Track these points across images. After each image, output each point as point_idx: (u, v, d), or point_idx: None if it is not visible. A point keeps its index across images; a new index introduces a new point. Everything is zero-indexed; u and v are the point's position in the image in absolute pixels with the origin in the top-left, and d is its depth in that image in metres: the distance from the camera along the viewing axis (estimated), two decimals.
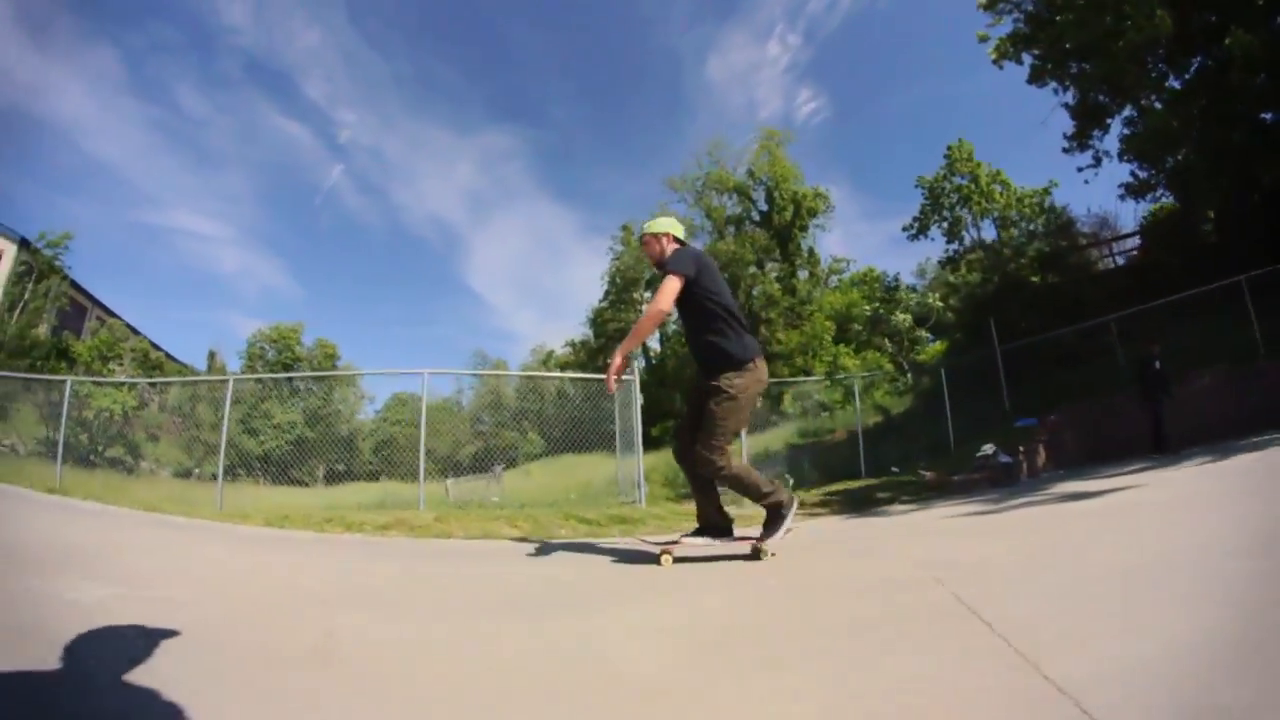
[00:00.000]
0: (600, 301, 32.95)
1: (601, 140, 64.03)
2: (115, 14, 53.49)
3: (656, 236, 3.23)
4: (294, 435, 9.82)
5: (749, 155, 29.82)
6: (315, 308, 73.20)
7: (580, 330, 35.21)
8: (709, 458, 2.88)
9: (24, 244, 23.18)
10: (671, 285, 2.93)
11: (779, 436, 14.27)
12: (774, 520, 2.99)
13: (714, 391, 2.90)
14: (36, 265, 21.65)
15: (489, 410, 20.01)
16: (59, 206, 56.99)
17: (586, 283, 79.02)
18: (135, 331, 26.35)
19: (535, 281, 74.72)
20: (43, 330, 20.62)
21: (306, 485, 9.91)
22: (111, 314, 28.38)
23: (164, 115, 61.10)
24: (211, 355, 30.60)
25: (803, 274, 29.24)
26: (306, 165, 67.52)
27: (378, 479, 10.65)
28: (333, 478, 10.64)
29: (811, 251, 30.09)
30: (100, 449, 9.62)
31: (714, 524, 3.14)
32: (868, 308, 22.94)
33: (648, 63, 63.92)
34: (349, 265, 70.64)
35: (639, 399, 7.38)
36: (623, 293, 31.93)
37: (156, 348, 25.45)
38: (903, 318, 20.14)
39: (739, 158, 30.23)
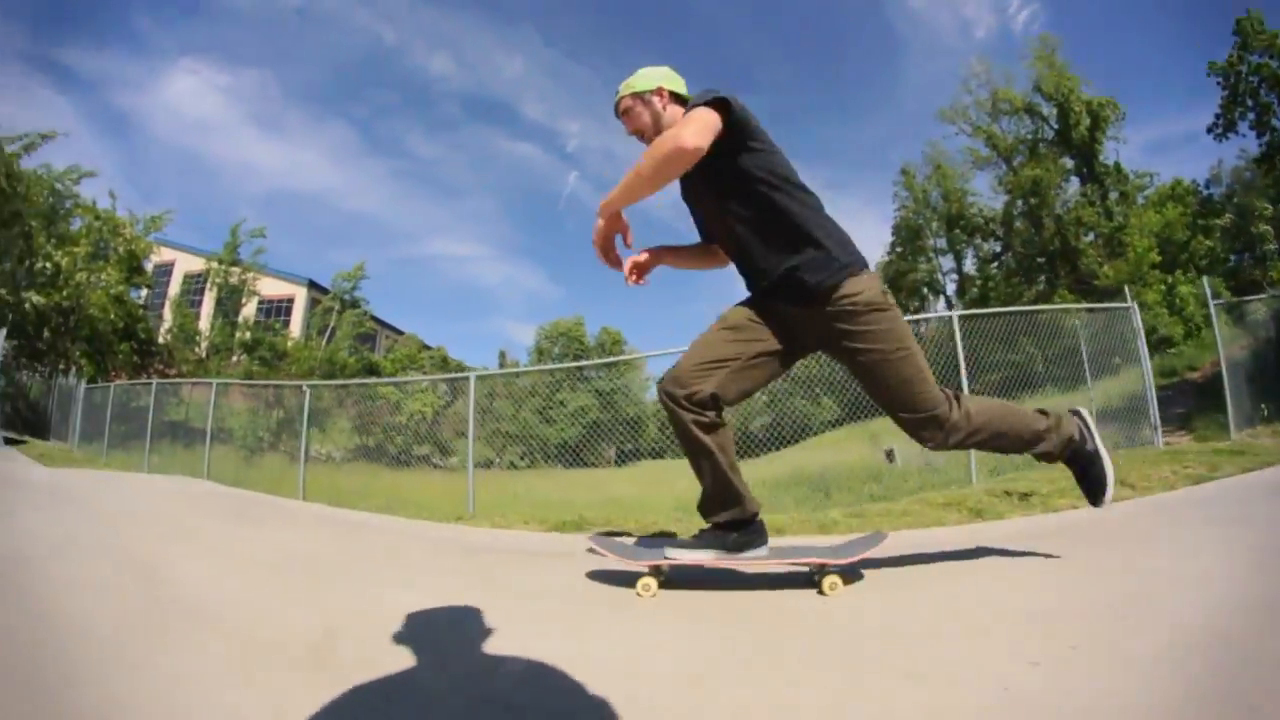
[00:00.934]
0: (886, 255, 30.38)
1: (817, 95, 59.86)
2: (335, 95, 64.06)
3: (643, 96, 1.88)
4: (587, 420, 9.14)
5: (1025, 68, 25.13)
6: (579, 303, 78.99)
7: None
8: (933, 416, 1.74)
9: (311, 284, 27.91)
10: (707, 117, 1.61)
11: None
12: (1087, 477, 1.90)
13: (849, 316, 1.69)
14: (338, 298, 25.73)
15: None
16: (331, 258, 69.07)
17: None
18: (426, 346, 30.53)
19: None
20: (343, 353, 24.52)
21: (597, 467, 9.38)
22: (400, 332, 33.01)
23: (403, 164, 71.43)
24: (501, 355, 33.76)
25: (1113, 194, 23.24)
26: (543, 177, 73.09)
27: (661, 457, 9.69)
28: (623, 458, 10.04)
29: (1118, 167, 23.96)
30: (409, 450, 10.14)
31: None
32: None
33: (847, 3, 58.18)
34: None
35: None
36: (909, 242, 29.69)
37: (448, 357, 29.03)
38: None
39: (1009, 78, 25.70)
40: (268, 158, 66.78)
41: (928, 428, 1.78)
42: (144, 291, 22.44)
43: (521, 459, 9.95)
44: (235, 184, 59.45)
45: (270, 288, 25.30)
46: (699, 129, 1.61)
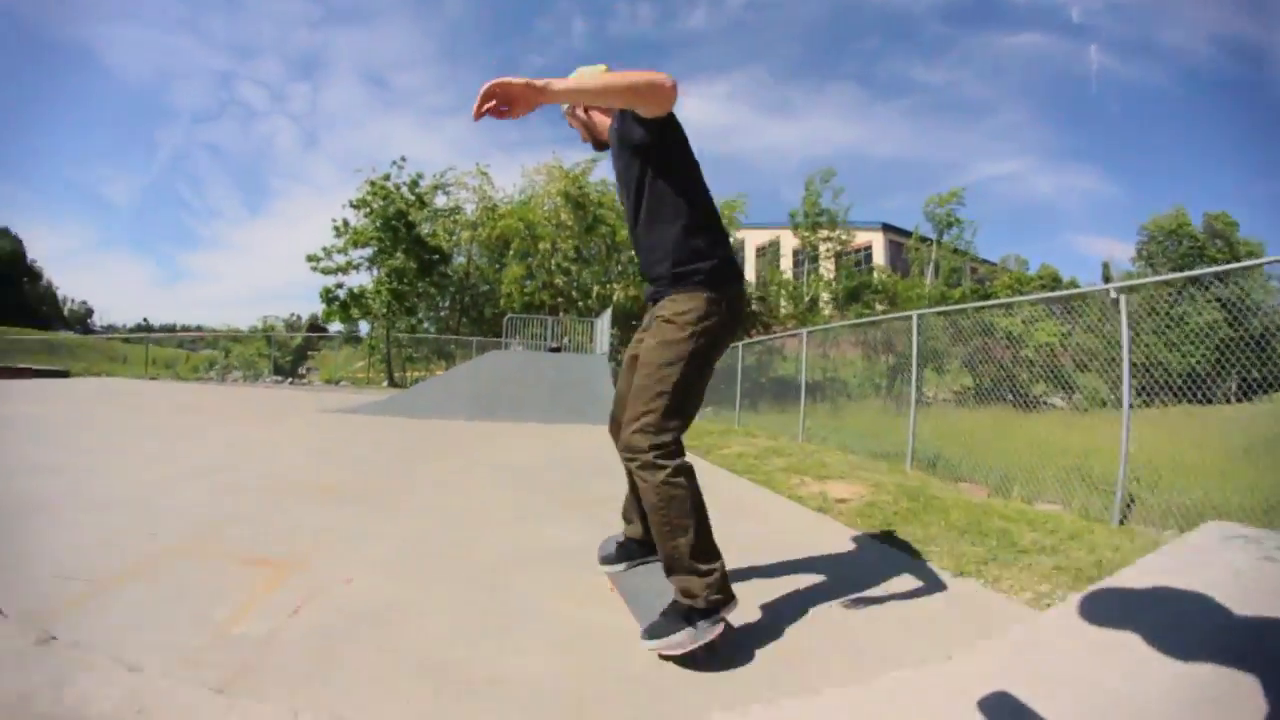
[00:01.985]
0: None
1: None
2: (820, 61, 58.53)
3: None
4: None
5: None
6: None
7: None
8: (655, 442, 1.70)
9: (886, 227, 26.15)
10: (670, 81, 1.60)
11: None
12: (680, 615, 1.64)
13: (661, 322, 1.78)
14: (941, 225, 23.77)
15: None
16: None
17: None
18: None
19: None
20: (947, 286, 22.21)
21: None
22: (990, 263, 28.41)
23: (914, 100, 62.28)
24: (1105, 266, 28.88)
25: None
26: (1060, 65, 60.53)
27: None
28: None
29: None
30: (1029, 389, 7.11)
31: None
32: None
33: None
34: None
35: None
36: None
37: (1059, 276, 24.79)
38: None
39: None
40: (786, 137, 71.26)
41: (637, 444, 1.69)
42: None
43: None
44: (772, 167, 65.25)
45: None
46: (672, 83, 1.59)
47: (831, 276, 24.82)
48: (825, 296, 24.61)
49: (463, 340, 22.43)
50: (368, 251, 20.99)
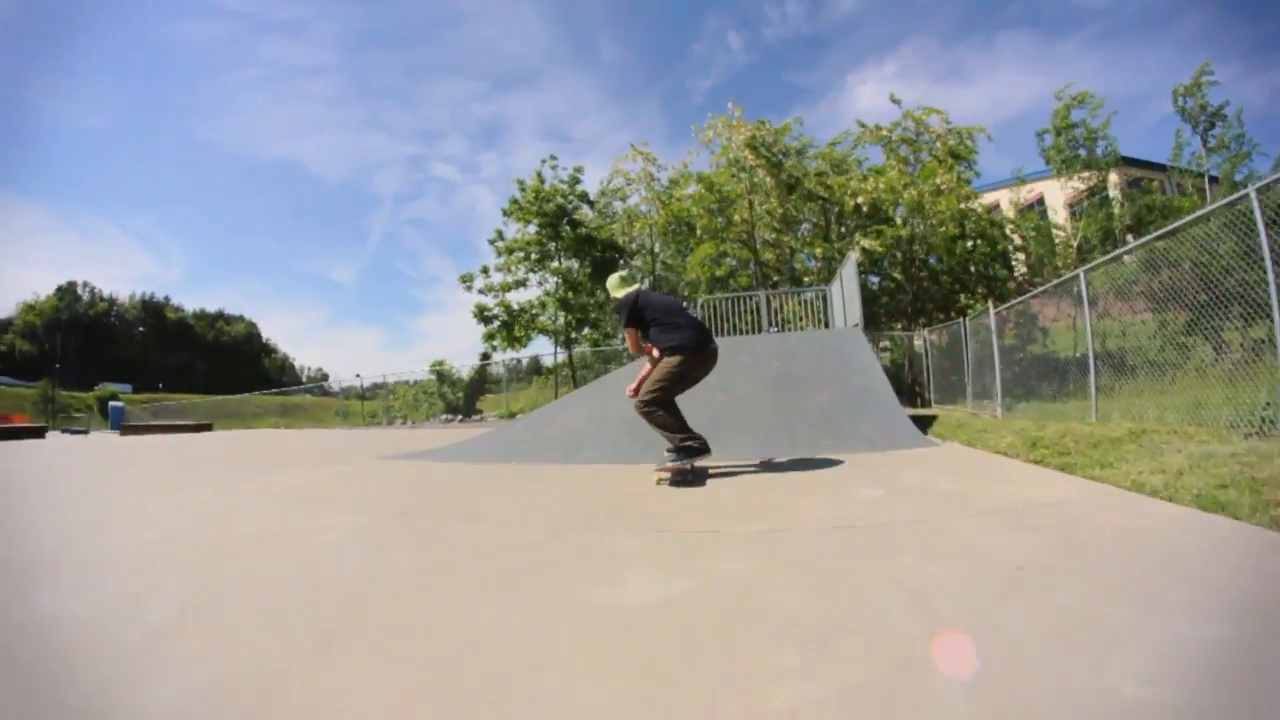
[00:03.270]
0: None
1: None
2: None
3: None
4: None
5: None
6: None
7: None
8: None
9: (1124, 161, 19.36)
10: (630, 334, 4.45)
11: None
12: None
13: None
14: None
15: None
16: None
17: None
18: None
19: None
20: None
21: None
22: None
23: None
24: None
25: None
26: None
27: None
28: None
29: None
30: None
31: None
32: None
33: None
34: None
35: None
36: None
37: None
38: None
39: None
40: (972, 102, 59.07)
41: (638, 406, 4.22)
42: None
43: None
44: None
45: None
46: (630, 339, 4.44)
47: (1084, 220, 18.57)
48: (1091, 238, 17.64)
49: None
50: (528, 266, 18.32)
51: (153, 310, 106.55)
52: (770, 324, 11.98)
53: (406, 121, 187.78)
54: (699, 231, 19.66)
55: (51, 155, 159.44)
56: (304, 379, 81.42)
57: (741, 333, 11.57)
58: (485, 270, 18.85)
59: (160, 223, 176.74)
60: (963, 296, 18.45)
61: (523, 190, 18.71)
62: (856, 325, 8.41)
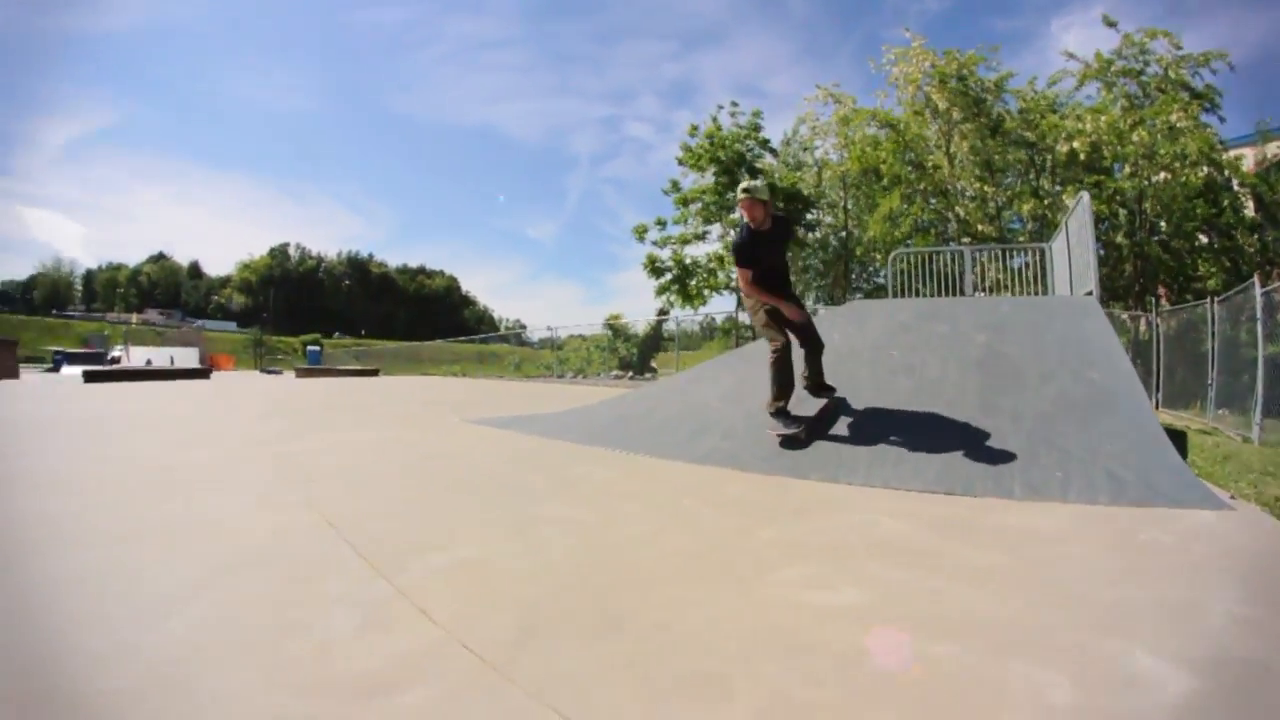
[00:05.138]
0: None
1: None
2: None
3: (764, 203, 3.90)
4: None
5: None
6: None
7: None
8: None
9: None
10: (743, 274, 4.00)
11: None
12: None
13: None
14: None
15: None
16: None
17: None
18: None
19: None
20: None
21: None
22: None
23: None
24: None
25: None
26: None
27: None
28: None
29: None
30: None
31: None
32: None
33: None
34: None
35: None
36: None
37: None
38: None
39: None
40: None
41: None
42: None
43: None
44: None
45: None
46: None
47: None
48: None
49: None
50: (704, 218, 17.35)
51: (357, 266, 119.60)
52: (975, 289, 9.58)
53: (597, 85, 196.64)
54: (884, 180, 17.52)
55: (265, 135, 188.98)
56: (502, 329, 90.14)
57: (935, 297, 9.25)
58: (661, 222, 18.42)
59: (365, 189, 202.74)
60: (1202, 266, 15.00)
61: (695, 135, 17.88)
62: (1089, 294, 6.27)
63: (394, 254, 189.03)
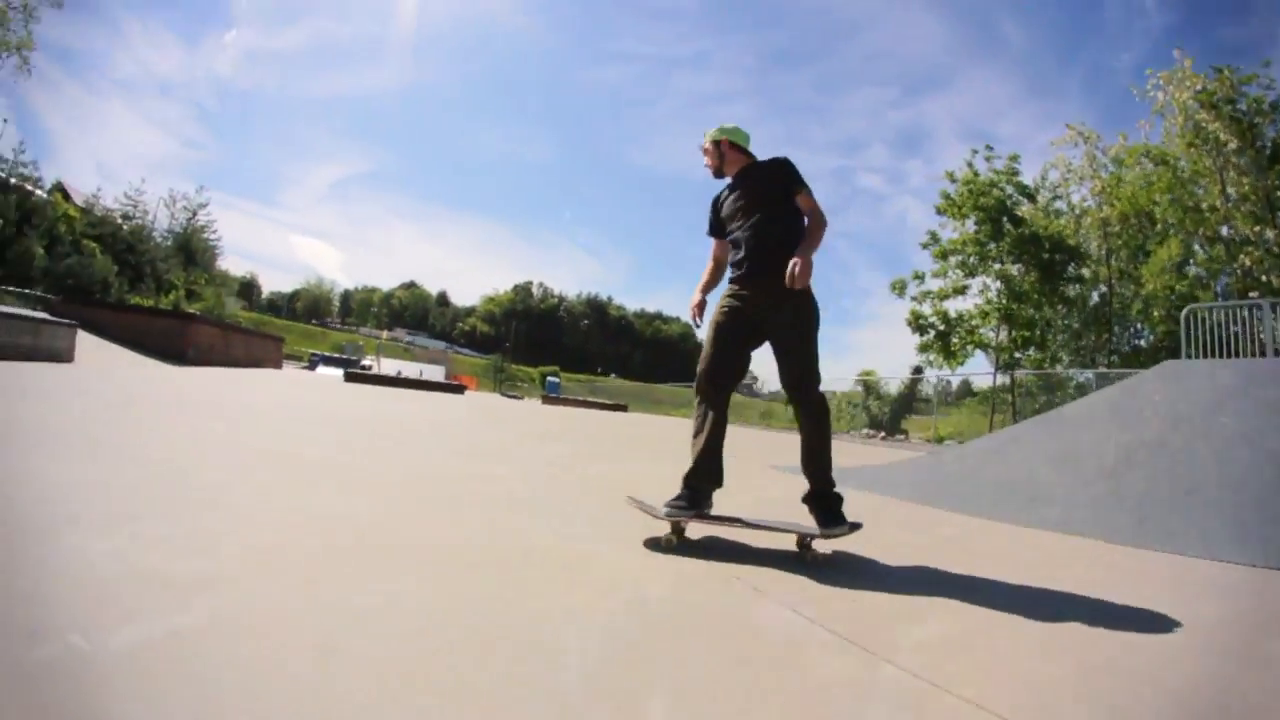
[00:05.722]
0: None
1: None
2: None
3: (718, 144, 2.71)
4: None
5: None
6: None
7: None
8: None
9: None
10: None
11: None
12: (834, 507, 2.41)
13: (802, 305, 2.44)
14: None
15: None
16: None
17: None
18: None
19: None
20: None
21: None
22: None
23: None
24: None
25: None
26: None
27: None
28: None
29: None
30: None
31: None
32: None
33: None
34: None
35: None
36: None
37: None
38: None
39: None
40: None
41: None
42: None
43: None
44: None
45: None
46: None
47: None
48: None
49: (1111, 375, 13.33)
50: (965, 270, 16.66)
51: (596, 307, 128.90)
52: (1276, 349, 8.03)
53: (823, 135, 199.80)
54: (1157, 225, 15.79)
55: (505, 182, 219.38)
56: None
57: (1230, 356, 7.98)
58: (919, 276, 18.06)
59: (604, 234, 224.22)
60: None
61: (953, 181, 17.42)
62: None
63: (629, 298, 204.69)
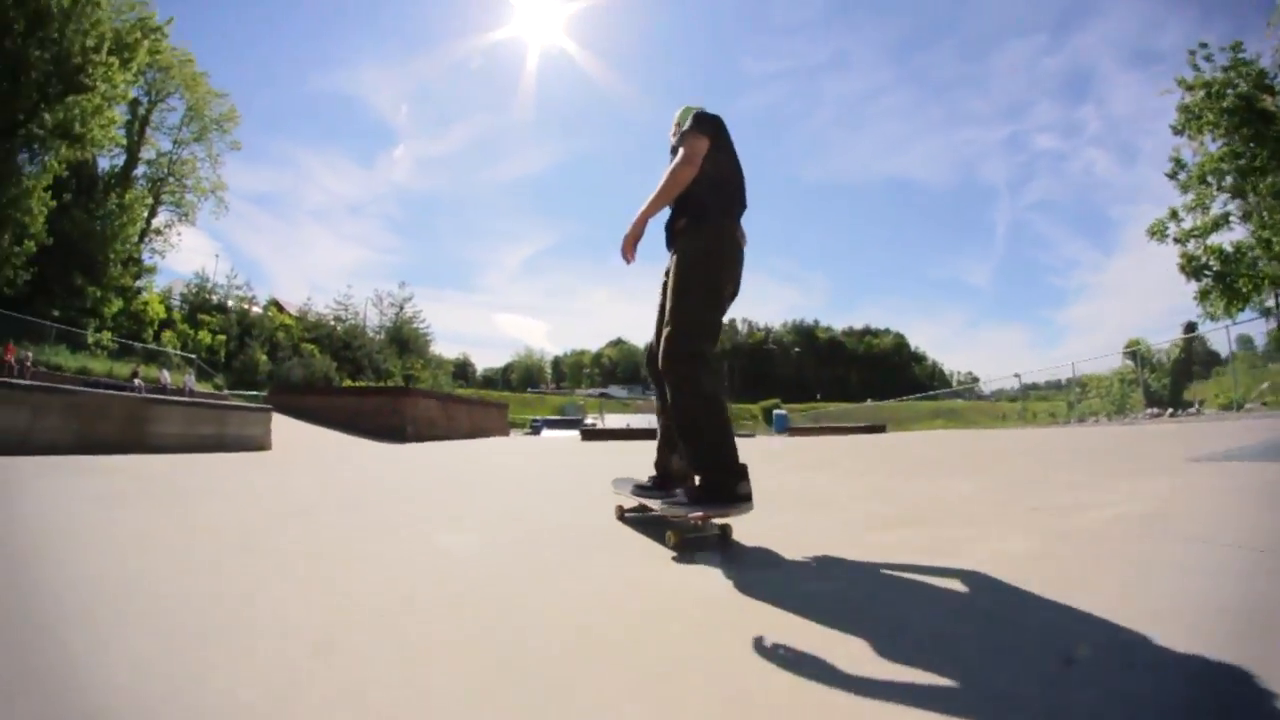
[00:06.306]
0: None
1: None
2: None
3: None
4: None
5: None
6: None
7: None
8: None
9: None
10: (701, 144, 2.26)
11: None
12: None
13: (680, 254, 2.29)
14: None
15: None
16: None
17: None
18: None
19: None
20: None
21: None
22: None
23: None
24: None
25: None
26: None
27: None
28: None
29: None
30: None
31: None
32: None
33: None
34: None
35: None
36: None
37: None
38: None
39: None
40: None
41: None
42: None
43: None
44: None
45: None
46: (691, 169, 2.21)
47: None
48: None
49: None
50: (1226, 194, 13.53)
51: (803, 333, 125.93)
52: None
53: (984, 105, 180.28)
54: None
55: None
56: (954, 383, 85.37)
57: None
58: (1174, 214, 15.00)
59: (798, 260, 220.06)
60: None
61: (1188, 90, 14.07)
62: None
63: (836, 317, 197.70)
